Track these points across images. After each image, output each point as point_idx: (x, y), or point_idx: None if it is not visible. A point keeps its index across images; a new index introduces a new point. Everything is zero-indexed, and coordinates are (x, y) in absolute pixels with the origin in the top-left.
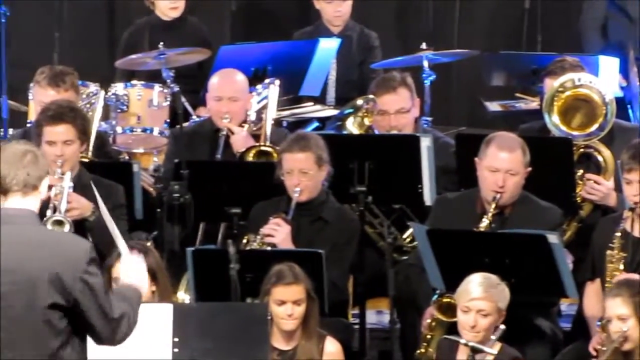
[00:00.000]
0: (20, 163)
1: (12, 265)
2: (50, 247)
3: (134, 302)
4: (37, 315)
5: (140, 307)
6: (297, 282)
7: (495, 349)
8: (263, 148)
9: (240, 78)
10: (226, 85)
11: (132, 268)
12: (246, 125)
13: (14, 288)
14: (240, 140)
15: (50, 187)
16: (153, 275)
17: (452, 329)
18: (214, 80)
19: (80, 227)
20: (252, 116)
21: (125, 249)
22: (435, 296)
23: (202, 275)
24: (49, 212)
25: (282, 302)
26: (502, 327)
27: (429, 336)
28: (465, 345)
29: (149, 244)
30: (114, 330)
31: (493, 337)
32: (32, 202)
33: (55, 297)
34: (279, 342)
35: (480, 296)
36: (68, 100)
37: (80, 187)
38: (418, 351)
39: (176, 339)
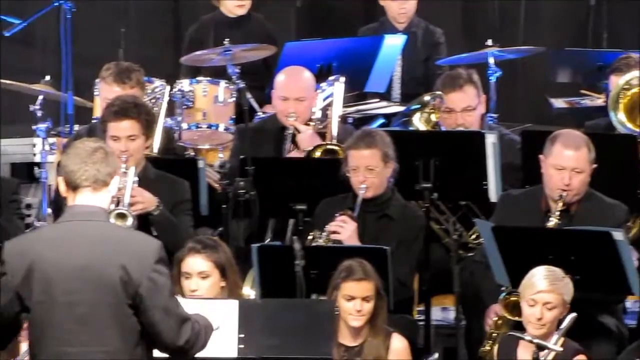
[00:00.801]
0: (90, 159)
1: (82, 262)
2: (120, 244)
3: (206, 325)
4: (106, 312)
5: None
6: (367, 278)
7: (558, 343)
8: (329, 147)
9: (307, 76)
10: (293, 85)
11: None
12: (312, 124)
13: (83, 285)
14: (307, 139)
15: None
16: (222, 270)
17: (517, 327)
18: (281, 79)
19: (145, 221)
20: (318, 114)
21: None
22: (503, 294)
23: (268, 271)
24: (112, 206)
25: (351, 298)
26: (572, 315)
27: (494, 334)
28: (531, 342)
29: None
30: (178, 333)
31: (556, 335)
32: (102, 199)
33: (124, 295)
34: (345, 339)
35: (546, 289)
36: (132, 95)
37: (145, 182)
38: (482, 349)
39: (242, 335)
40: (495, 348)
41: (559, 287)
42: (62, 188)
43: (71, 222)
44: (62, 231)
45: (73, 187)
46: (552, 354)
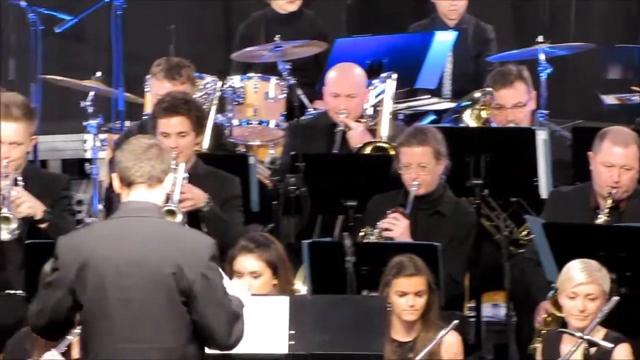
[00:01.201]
0: (144, 156)
1: (137, 258)
2: (174, 241)
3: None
4: (160, 308)
5: (253, 306)
6: (418, 273)
7: (600, 334)
8: (380, 144)
9: (358, 73)
10: (344, 82)
11: (236, 292)
12: (363, 121)
13: (137, 282)
14: (358, 136)
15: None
16: (274, 269)
17: (566, 324)
18: (332, 76)
19: (195, 218)
20: (369, 111)
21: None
22: (552, 292)
23: (318, 267)
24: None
25: (404, 294)
26: (614, 299)
27: (543, 331)
28: (581, 338)
29: None
30: (230, 330)
31: (598, 318)
32: (156, 195)
33: (177, 292)
34: (398, 334)
35: (586, 281)
36: (182, 92)
37: (195, 178)
38: (532, 346)
39: (292, 332)
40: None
41: (597, 277)
42: (116, 184)
43: (125, 218)
44: (115, 227)
45: (127, 183)
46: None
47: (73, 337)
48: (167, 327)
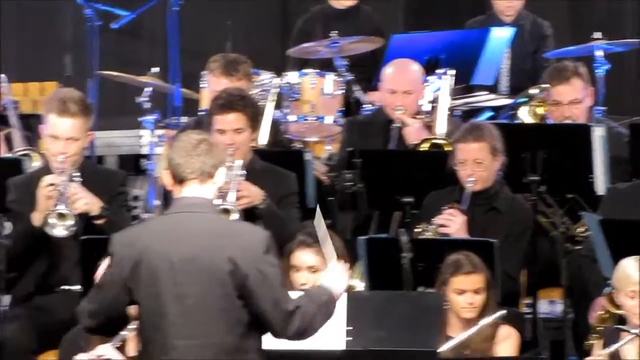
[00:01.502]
0: (194, 152)
1: (191, 254)
2: (228, 236)
3: (321, 304)
4: (214, 304)
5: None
6: (477, 271)
7: None
8: (436, 141)
9: (415, 69)
10: (400, 78)
11: (335, 274)
12: (420, 117)
13: (192, 277)
14: (414, 133)
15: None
16: None
17: (623, 321)
18: (388, 72)
19: (251, 215)
20: (426, 107)
21: (333, 255)
22: (608, 288)
23: (375, 264)
24: (218, 201)
25: (462, 292)
26: None
27: (599, 328)
28: (636, 334)
29: None
30: (287, 323)
31: None
32: (208, 191)
33: (232, 287)
34: (455, 331)
35: None
36: (239, 88)
37: (252, 174)
38: (588, 342)
39: (349, 328)
40: (601, 342)
41: None
42: (168, 181)
43: (178, 213)
44: (169, 223)
45: (179, 180)
46: None
47: (128, 333)
48: (222, 323)
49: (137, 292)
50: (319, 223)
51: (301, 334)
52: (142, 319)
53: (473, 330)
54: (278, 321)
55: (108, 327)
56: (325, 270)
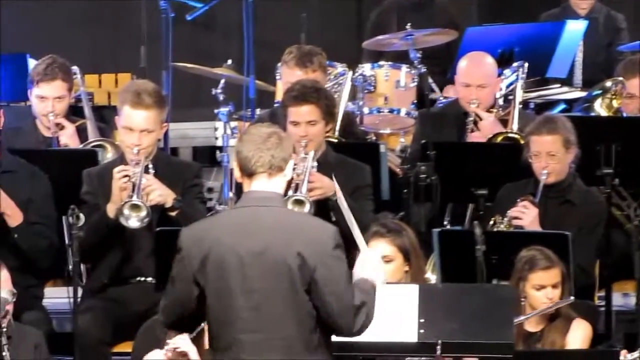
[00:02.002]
0: (264, 145)
1: (260, 248)
2: (297, 230)
3: (371, 295)
4: (282, 298)
5: (383, 294)
6: (554, 265)
7: None
8: (510, 135)
9: (489, 62)
10: (475, 72)
11: (368, 261)
12: (494, 111)
13: (260, 271)
14: (488, 126)
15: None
16: (406, 255)
17: None
18: (463, 65)
19: (324, 207)
20: (500, 100)
21: (362, 242)
22: None
23: (449, 256)
24: (290, 192)
25: (542, 287)
26: None
27: None
28: None
29: None
30: (353, 319)
31: None
32: (277, 184)
33: (300, 281)
34: (529, 325)
35: None
36: (313, 80)
37: (325, 166)
38: None
39: (422, 320)
40: None
41: None
42: (237, 174)
43: (248, 207)
44: (238, 217)
45: (248, 173)
46: None
47: (205, 324)
48: (290, 317)
49: (205, 285)
50: (343, 205)
51: (363, 330)
52: (209, 314)
53: (545, 309)
54: (344, 317)
55: (184, 321)
56: (359, 260)
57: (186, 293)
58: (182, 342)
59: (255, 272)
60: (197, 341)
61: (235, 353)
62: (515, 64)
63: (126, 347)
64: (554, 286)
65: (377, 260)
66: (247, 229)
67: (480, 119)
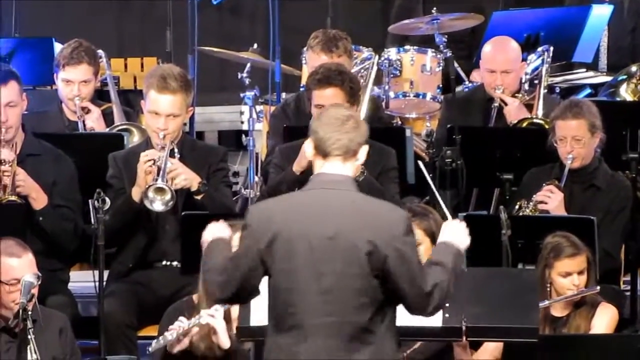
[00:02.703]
0: (342, 128)
1: (330, 232)
2: (369, 216)
3: (453, 268)
4: (351, 283)
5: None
6: (580, 252)
7: None
8: (536, 120)
9: (514, 48)
10: (500, 58)
11: (454, 228)
12: (519, 96)
13: (330, 255)
14: (513, 112)
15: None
16: (433, 238)
17: None
18: (487, 51)
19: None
20: (525, 85)
21: (447, 211)
22: None
23: (474, 240)
24: None
25: (568, 274)
26: None
27: None
28: None
29: None
30: (427, 302)
31: None
32: (350, 168)
33: (370, 266)
34: (555, 309)
35: None
36: (337, 63)
37: None
38: None
39: (447, 304)
40: None
41: None
42: (310, 151)
43: (318, 190)
44: (309, 199)
45: (323, 154)
46: None
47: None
48: (357, 302)
49: (271, 266)
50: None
51: (439, 308)
52: (273, 295)
53: (570, 296)
54: (417, 301)
55: (240, 296)
56: (444, 227)
57: (250, 269)
58: (212, 319)
59: (325, 256)
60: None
61: (301, 336)
62: (540, 49)
63: (152, 330)
64: (580, 273)
65: (462, 227)
66: (317, 212)
67: (506, 104)
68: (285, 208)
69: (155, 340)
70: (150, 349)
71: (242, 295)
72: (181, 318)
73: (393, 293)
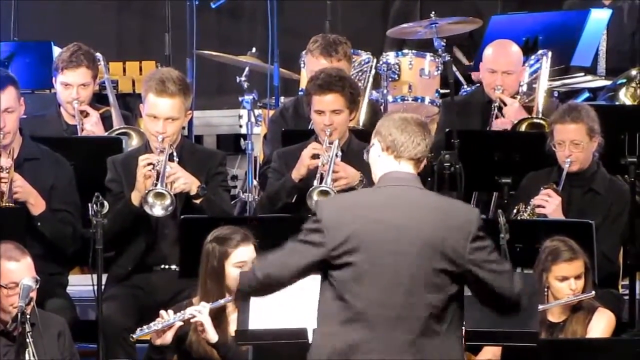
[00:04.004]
0: (419, 135)
1: (402, 224)
2: (441, 212)
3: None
4: (423, 275)
5: None
6: (577, 257)
7: None
8: (535, 121)
9: (515, 50)
10: (501, 59)
11: None
12: (519, 97)
13: (403, 248)
14: (513, 112)
15: (317, 156)
16: None
17: None
18: (489, 52)
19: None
20: (524, 87)
21: None
22: None
23: None
24: (315, 182)
25: (565, 278)
26: None
27: None
28: None
29: None
30: (511, 285)
31: None
32: (416, 170)
33: (443, 263)
34: (552, 315)
35: None
36: (337, 68)
37: (349, 154)
38: None
39: None
40: None
41: None
42: (379, 151)
43: (392, 186)
44: (382, 195)
45: (396, 155)
46: None
47: (230, 297)
48: (428, 294)
49: (338, 259)
50: None
51: (521, 296)
52: (337, 287)
53: (567, 300)
54: (503, 287)
55: (272, 289)
56: None
57: (313, 261)
58: (199, 314)
59: (398, 247)
60: (218, 315)
61: (365, 327)
62: (539, 52)
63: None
64: (577, 277)
65: None
66: (392, 206)
67: (505, 105)
68: (358, 203)
69: (139, 329)
70: (134, 336)
71: (276, 288)
72: (169, 311)
73: (478, 284)
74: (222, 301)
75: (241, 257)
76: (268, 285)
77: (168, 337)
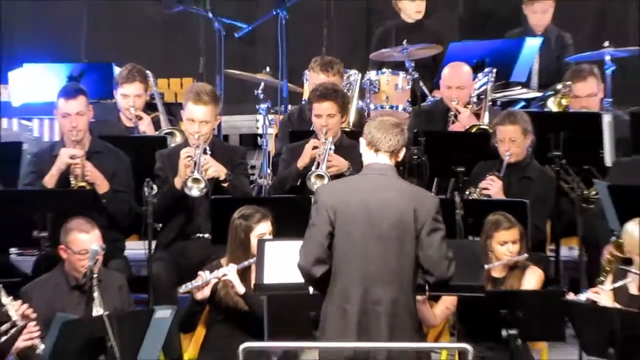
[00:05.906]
0: (392, 131)
1: (385, 202)
2: (410, 192)
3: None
4: (398, 244)
5: None
6: (514, 226)
7: None
8: (482, 126)
9: (466, 70)
10: (455, 77)
11: None
12: (470, 106)
13: (384, 221)
14: (465, 119)
15: (315, 148)
16: None
17: (625, 263)
18: (446, 72)
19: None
20: (474, 99)
21: None
22: (613, 238)
23: None
24: (313, 168)
25: (504, 243)
26: None
27: (607, 268)
28: (636, 274)
29: None
30: (447, 268)
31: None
32: (392, 161)
33: (414, 233)
34: (496, 272)
35: None
36: (332, 82)
37: (340, 149)
38: (598, 279)
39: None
40: (609, 278)
41: None
42: (364, 148)
43: (372, 175)
44: (365, 180)
45: (376, 149)
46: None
47: (253, 260)
48: (405, 261)
49: (335, 231)
50: None
51: (452, 277)
52: (335, 261)
53: (506, 260)
54: (439, 267)
55: (319, 262)
56: None
57: (323, 233)
58: (230, 272)
59: (379, 221)
60: (242, 275)
61: (351, 290)
62: (486, 70)
63: None
64: (514, 242)
65: None
66: (373, 188)
67: (459, 113)
68: (347, 186)
69: (184, 285)
70: (181, 290)
71: (320, 260)
72: (205, 271)
73: (422, 258)
74: (246, 263)
75: (262, 230)
76: (321, 264)
77: (206, 292)
